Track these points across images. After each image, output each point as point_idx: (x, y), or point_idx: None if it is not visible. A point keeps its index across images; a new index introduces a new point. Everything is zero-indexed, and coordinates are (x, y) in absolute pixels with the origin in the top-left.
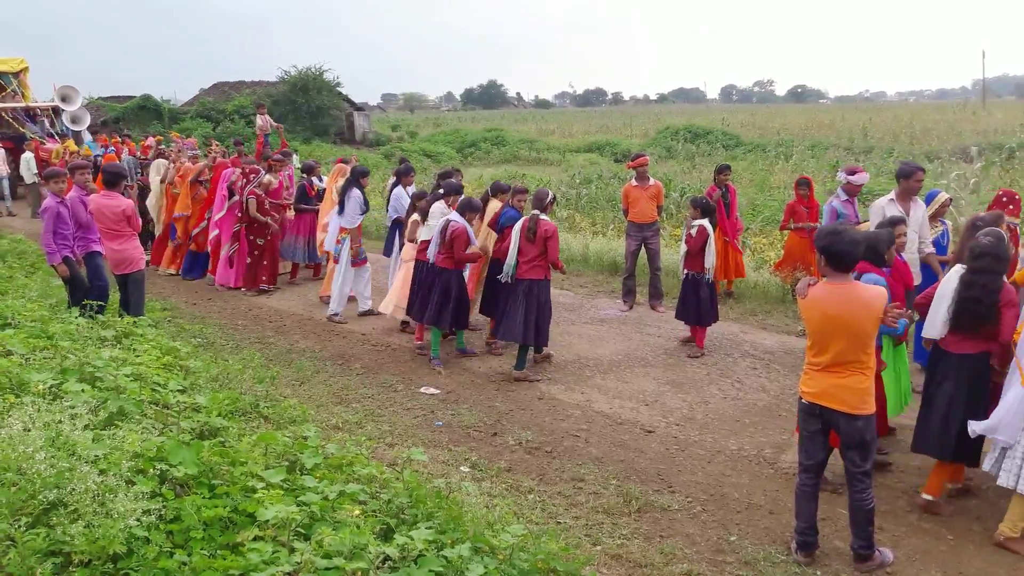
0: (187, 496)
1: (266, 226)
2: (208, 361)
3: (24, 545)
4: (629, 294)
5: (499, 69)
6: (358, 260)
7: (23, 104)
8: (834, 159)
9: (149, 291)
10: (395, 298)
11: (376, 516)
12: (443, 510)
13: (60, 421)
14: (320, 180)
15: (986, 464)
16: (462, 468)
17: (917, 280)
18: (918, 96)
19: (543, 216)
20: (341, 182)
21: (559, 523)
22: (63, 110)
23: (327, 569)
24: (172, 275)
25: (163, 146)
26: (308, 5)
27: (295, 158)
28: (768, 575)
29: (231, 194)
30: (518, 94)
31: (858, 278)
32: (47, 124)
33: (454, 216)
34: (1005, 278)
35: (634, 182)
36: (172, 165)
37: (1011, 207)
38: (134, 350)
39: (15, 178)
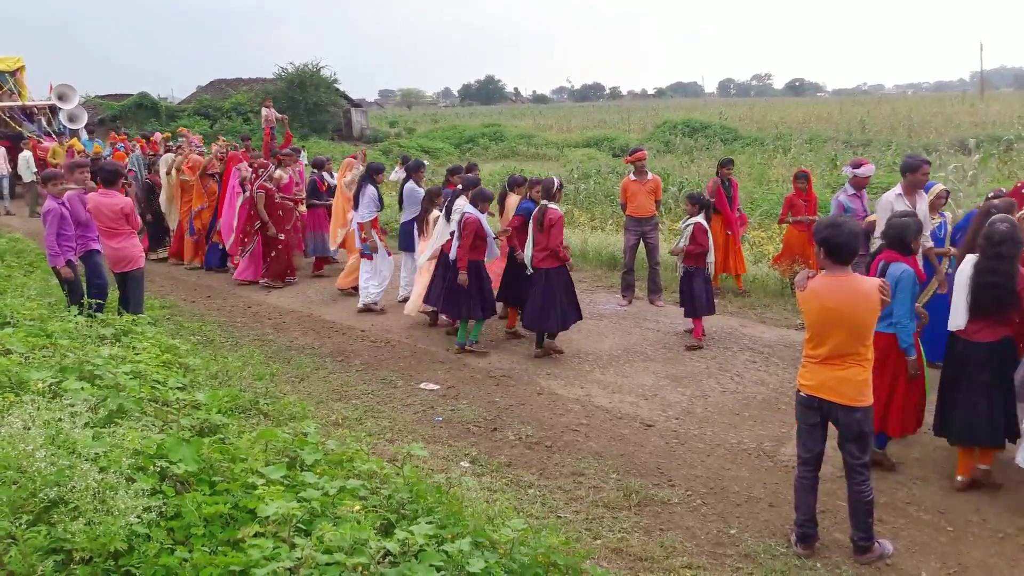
0: (188, 493)
1: (276, 221)
2: (207, 359)
3: (25, 543)
4: (628, 289)
5: (497, 64)
6: (366, 253)
7: (20, 103)
8: (832, 152)
9: (148, 289)
10: (418, 299)
11: (376, 511)
12: (443, 505)
13: (60, 419)
14: (331, 176)
15: (1019, 457)
16: (462, 463)
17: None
18: (916, 88)
19: (551, 205)
20: (349, 176)
21: (559, 517)
22: (60, 108)
23: (328, 565)
24: (196, 268)
25: (171, 142)
26: (306, 1)
27: (303, 154)
28: (768, 568)
29: (242, 190)
30: (516, 89)
31: (885, 267)
32: (44, 123)
33: (468, 208)
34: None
35: (632, 176)
36: (178, 157)
37: None
38: (133, 348)
39: (13, 177)
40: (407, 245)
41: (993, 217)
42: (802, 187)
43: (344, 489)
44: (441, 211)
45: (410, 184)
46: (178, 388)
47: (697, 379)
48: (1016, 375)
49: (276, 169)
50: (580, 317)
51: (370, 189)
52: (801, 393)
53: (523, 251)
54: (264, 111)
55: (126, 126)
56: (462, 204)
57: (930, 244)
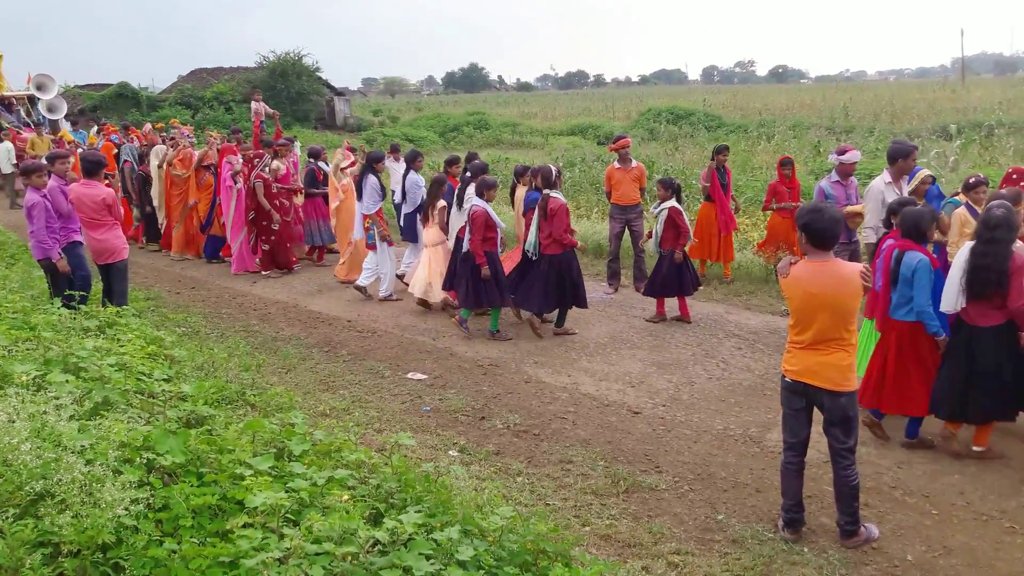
0: (175, 485)
1: (280, 210)
2: (193, 350)
3: (12, 536)
4: (614, 277)
5: (480, 52)
6: (371, 243)
7: None
8: (815, 139)
9: (132, 281)
10: (422, 280)
11: (365, 501)
12: (432, 494)
13: (45, 412)
14: (327, 164)
15: None
16: (450, 452)
17: None
18: (898, 75)
19: (553, 193)
20: (344, 162)
21: (548, 505)
22: (39, 99)
23: (317, 554)
24: (188, 259)
25: (164, 133)
26: None
27: (297, 144)
28: (756, 553)
29: (235, 182)
30: (500, 77)
31: (901, 256)
32: (23, 113)
33: (476, 200)
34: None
35: (617, 164)
36: (170, 149)
37: (1022, 183)
38: (118, 340)
39: None
40: (412, 236)
41: (991, 203)
42: (787, 174)
43: (332, 479)
44: (454, 199)
45: (412, 175)
46: (164, 380)
47: (683, 366)
48: None
49: (273, 160)
50: (578, 304)
51: (371, 179)
52: (786, 378)
53: (576, 242)
54: (254, 104)
55: (106, 116)
56: (471, 194)
57: None
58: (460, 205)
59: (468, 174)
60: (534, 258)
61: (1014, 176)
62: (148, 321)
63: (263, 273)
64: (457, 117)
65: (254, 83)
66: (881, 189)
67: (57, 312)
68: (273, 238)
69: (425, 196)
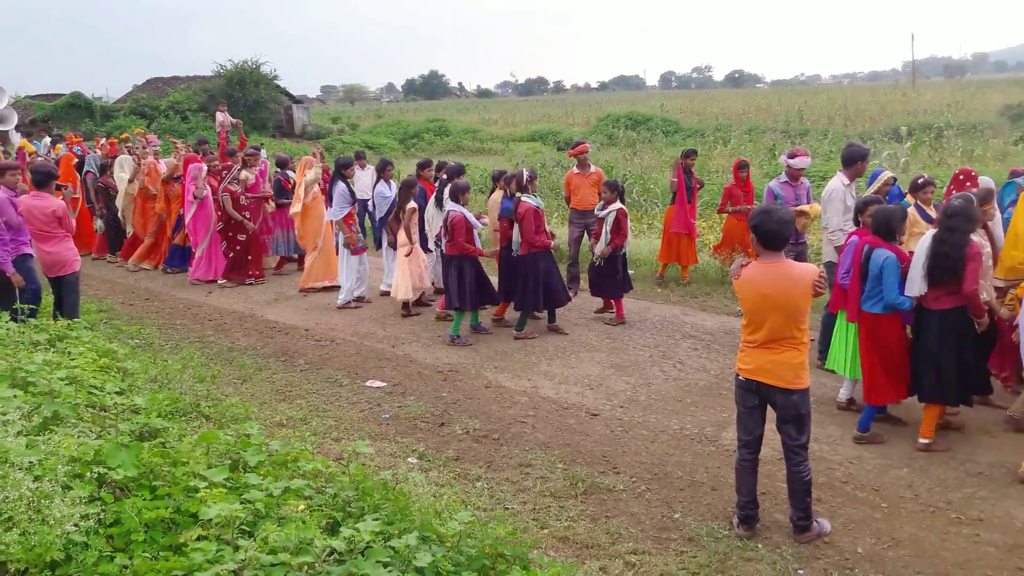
0: (127, 499)
1: (242, 223)
2: (146, 362)
3: None
4: (573, 280)
5: (440, 59)
6: (357, 248)
7: None
8: (771, 142)
9: (84, 293)
10: (402, 282)
11: (322, 511)
12: (390, 501)
13: None
14: (294, 173)
15: None
16: (410, 459)
17: None
18: (851, 79)
19: (524, 197)
20: (309, 175)
21: (507, 509)
22: None
23: (273, 565)
24: (147, 270)
25: (129, 143)
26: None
27: (263, 152)
28: (711, 550)
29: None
30: (460, 84)
31: (870, 252)
32: None
33: (452, 205)
34: (975, 237)
35: (576, 170)
36: (137, 162)
37: (968, 184)
38: (69, 353)
39: None
40: (391, 241)
41: (953, 195)
42: (742, 177)
43: (288, 489)
44: (433, 201)
45: (381, 185)
46: (116, 393)
47: (641, 367)
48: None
49: (241, 171)
50: (561, 301)
51: (339, 186)
52: (740, 376)
53: (548, 243)
54: (219, 115)
55: (59, 126)
56: (447, 198)
57: None
58: (440, 206)
59: (444, 176)
60: (516, 255)
61: (961, 177)
62: (101, 334)
63: (219, 282)
64: (417, 124)
65: (211, 92)
66: (843, 191)
67: (5, 326)
68: (238, 248)
69: (396, 202)
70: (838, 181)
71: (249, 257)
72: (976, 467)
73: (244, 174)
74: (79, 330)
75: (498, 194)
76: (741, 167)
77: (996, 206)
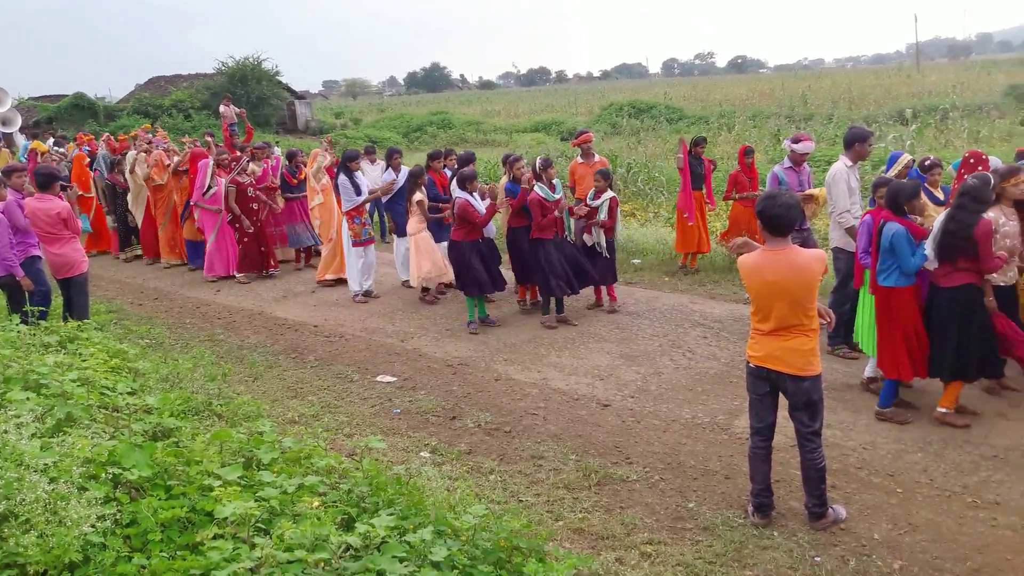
0: (142, 499)
1: (248, 214)
2: (157, 362)
3: None
4: None
5: (442, 52)
6: (360, 240)
7: None
8: (775, 128)
9: (94, 294)
10: (415, 270)
11: (337, 507)
12: (404, 496)
13: (5, 431)
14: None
15: None
16: (422, 454)
17: None
18: (855, 62)
19: (537, 187)
20: (315, 166)
21: (521, 501)
22: None
23: (289, 562)
24: (176, 265)
25: (138, 140)
26: None
27: (277, 149)
28: (727, 539)
29: (210, 185)
30: (462, 76)
31: (883, 226)
32: None
33: (459, 192)
34: (992, 214)
35: (580, 159)
36: (143, 156)
37: (979, 168)
38: (80, 355)
39: None
40: (400, 230)
41: (973, 175)
42: (748, 163)
43: (303, 486)
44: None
45: (387, 173)
46: (128, 393)
47: (650, 357)
48: None
49: (249, 162)
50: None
51: (341, 179)
52: (750, 364)
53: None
54: (223, 108)
55: (63, 127)
56: (455, 186)
57: None
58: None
59: (456, 165)
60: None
61: (971, 160)
62: (111, 334)
63: (236, 276)
64: (420, 117)
65: (213, 90)
66: (846, 172)
67: (16, 329)
68: (246, 240)
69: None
70: (841, 164)
71: (262, 249)
72: (991, 450)
73: (252, 166)
74: (89, 331)
75: (505, 179)
76: (747, 153)
77: None
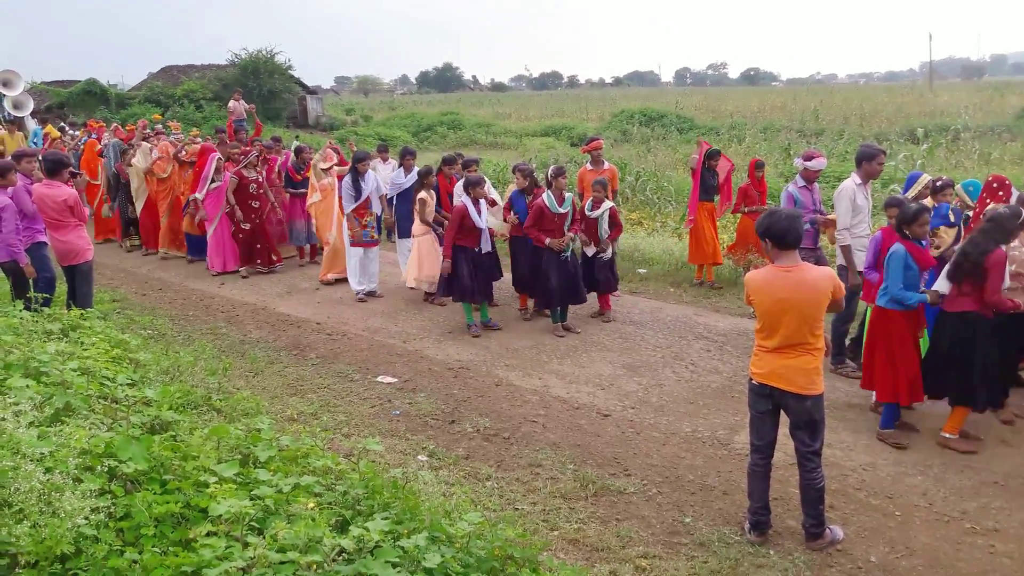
0: (137, 492)
1: (246, 211)
2: (159, 353)
3: None
4: None
5: (454, 52)
6: (359, 241)
7: None
8: (786, 141)
9: (98, 282)
10: (414, 271)
11: (332, 508)
12: (400, 500)
13: (3, 418)
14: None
15: None
16: (420, 457)
17: None
18: (868, 78)
19: (544, 195)
20: (321, 166)
21: (517, 509)
22: (4, 95)
23: (281, 563)
24: (179, 257)
25: (148, 130)
26: None
27: (297, 142)
28: (722, 556)
29: (214, 178)
30: (474, 77)
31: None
32: None
33: (461, 196)
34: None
35: (589, 166)
36: (146, 146)
37: (1001, 193)
38: (81, 343)
39: None
40: (403, 232)
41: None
42: (758, 176)
43: (298, 486)
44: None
45: (397, 172)
46: (128, 384)
47: (653, 368)
48: None
49: (256, 157)
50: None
51: (346, 180)
52: (753, 381)
53: (544, 241)
54: (232, 103)
55: (74, 113)
56: (459, 190)
57: None
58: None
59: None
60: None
61: (994, 184)
62: (114, 324)
63: (240, 271)
64: (431, 117)
65: (225, 81)
66: (853, 190)
67: (18, 315)
68: (241, 235)
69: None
70: (850, 180)
71: (258, 245)
72: (992, 476)
73: (253, 174)
74: (92, 320)
75: (512, 187)
76: (757, 167)
77: None
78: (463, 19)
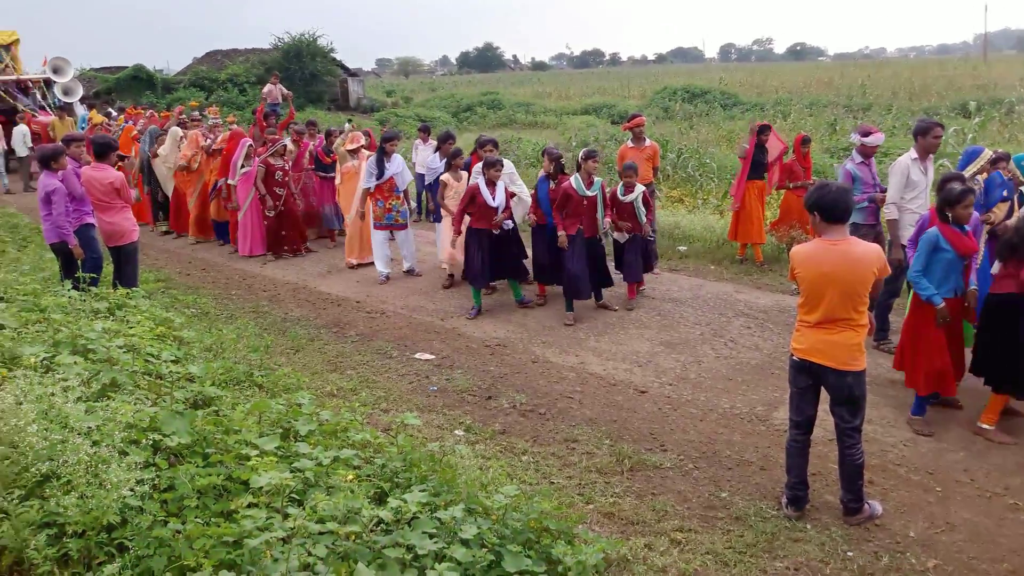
0: (181, 465)
1: (274, 196)
2: (202, 331)
3: (18, 517)
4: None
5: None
6: (382, 224)
7: (15, 77)
8: (832, 117)
9: (143, 262)
10: (445, 251)
11: (370, 480)
12: (437, 473)
13: (52, 394)
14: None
15: None
16: (456, 432)
17: None
18: (919, 52)
19: (572, 177)
20: (347, 147)
21: (552, 483)
22: (55, 82)
23: (321, 534)
24: (208, 242)
25: (183, 116)
26: None
27: (346, 126)
28: (759, 530)
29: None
30: (515, 56)
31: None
32: (39, 96)
33: (477, 177)
34: None
35: (630, 143)
36: (178, 131)
37: None
38: (127, 322)
39: (7, 152)
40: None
41: None
42: (804, 152)
43: (338, 459)
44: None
45: (434, 156)
46: (172, 361)
47: (691, 345)
48: None
49: (286, 145)
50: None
51: (370, 159)
52: (794, 357)
53: (561, 229)
54: (269, 87)
55: (121, 99)
56: (477, 170)
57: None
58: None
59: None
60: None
61: None
62: (158, 303)
63: (268, 256)
64: (471, 97)
65: (268, 65)
66: (907, 165)
67: (67, 294)
68: (267, 221)
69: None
70: (907, 155)
71: (283, 232)
72: None
73: (291, 146)
74: (137, 299)
75: (541, 172)
76: (803, 142)
77: None
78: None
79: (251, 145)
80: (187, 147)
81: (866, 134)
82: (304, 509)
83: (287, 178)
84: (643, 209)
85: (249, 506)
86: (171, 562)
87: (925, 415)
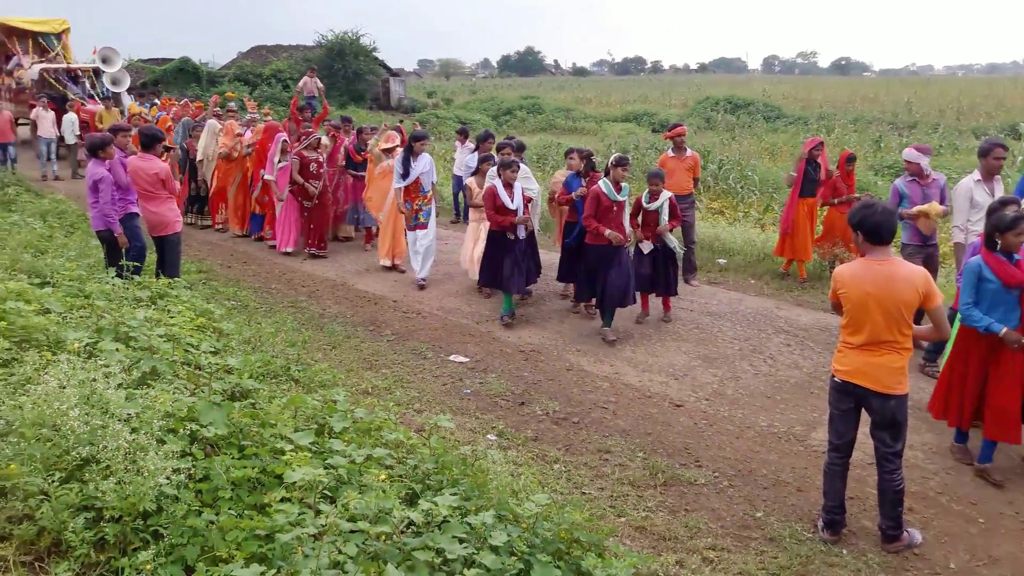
0: (216, 456)
1: (305, 189)
2: (241, 324)
3: (57, 499)
4: (690, 269)
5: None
6: (412, 225)
7: (65, 65)
8: (877, 134)
9: (185, 253)
10: (468, 256)
11: (402, 481)
12: (468, 477)
13: (94, 379)
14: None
15: None
16: (489, 436)
17: None
18: (967, 70)
19: (601, 181)
20: (382, 147)
21: (584, 494)
22: (103, 72)
23: (351, 532)
24: (240, 236)
25: (218, 108)
26: None
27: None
28: (793, 552)
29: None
30: (555, 61)
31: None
32: (88, 86)
33: (493, 179)
34: None
35: (671, 152)
36: (215, 123)
37: None
38: (168, 311)
39: (57, 139)
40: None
41: None
42: (849, 170)
43: (371, 458)
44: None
45: (472, 156)
46: (211, 352)
47: (730, 360)
48: None
49: (320, 139)
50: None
51: (396, 159)
52: (835, 378)
53: (603, 232)
54: (305, 80)
55: (167, 90)
56: (492, 173)
57: None
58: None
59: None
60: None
61: None
62: (199, 294)
63: (306, 250)
64: (511, 100)
65: (312, 61)
66: (970, 187)
67: (111, 282)
68: (305, 214)
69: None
70: (969, 177)
71: (311, 226)
72: None
73: (325, 140)
74: (179, 289)
75: (562, 173)
76: (849, 160)
77: None
78: (546, 3)
79: (286, 140)
80: (225, 137)
81: (920, 151)
82: (336, 506)
83: (321, 170)
84: (666, 218)
85: (282, 500)
86: (204, 552)
87: (969, 448)
